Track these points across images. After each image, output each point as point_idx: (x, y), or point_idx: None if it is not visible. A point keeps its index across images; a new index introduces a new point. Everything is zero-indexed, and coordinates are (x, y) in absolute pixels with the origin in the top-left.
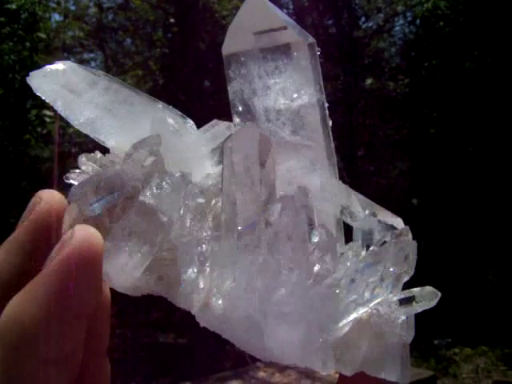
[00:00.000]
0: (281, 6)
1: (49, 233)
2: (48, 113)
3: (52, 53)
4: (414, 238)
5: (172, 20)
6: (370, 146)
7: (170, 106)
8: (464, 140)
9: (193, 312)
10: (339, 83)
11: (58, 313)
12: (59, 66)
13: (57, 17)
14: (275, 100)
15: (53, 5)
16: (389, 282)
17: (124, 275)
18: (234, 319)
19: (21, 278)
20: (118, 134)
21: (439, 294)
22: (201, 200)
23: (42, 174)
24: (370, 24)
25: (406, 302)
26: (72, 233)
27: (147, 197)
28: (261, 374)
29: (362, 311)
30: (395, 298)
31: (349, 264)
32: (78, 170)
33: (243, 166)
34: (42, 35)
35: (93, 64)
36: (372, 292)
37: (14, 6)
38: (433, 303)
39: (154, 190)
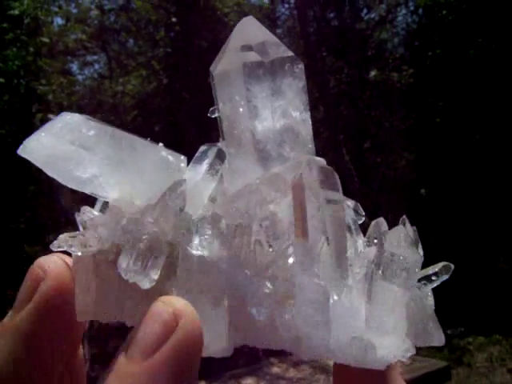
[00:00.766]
0: (283, 0)
1: (56, 320)
2: (53, 117)
3: (55, 57)
4: (423, 229)
5: (174, 19)
6: (376, 137)
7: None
8: (471, 128)
9: (288, 350)
10: (343, 76)
11: None
12: (70, 119)
13: (59, 21)
14: (277, 121)
15: (55, 9)
16: (408, 267)
17: (218, 337)
18: (342, 343)
19: (19, 371)
20: (121, 185)
21: (452, 266)
22: (246, 238)
23: (49, 178)
24: (372, 15)
25: (425, 279)
26: (175, 313)
27: (200, 250)
28: (275, 369)
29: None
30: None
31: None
32: (67, 235)
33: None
34: (45, 39)
35: (96, 66)
36: (402, 282)
37: (16, 12)
38: (448, 275)
39: (203, 241)
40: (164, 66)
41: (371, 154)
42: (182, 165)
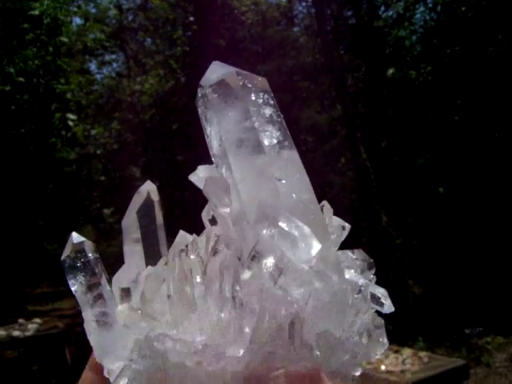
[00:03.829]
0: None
1: None
2: (71, 116)
3: (74, 56)
4: (442, 228)
5: (191, 18)
6: (394, 135)
7: None
8: (490, 126)
9: None
10: (361, 74)
11: None
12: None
13: (78, 20)
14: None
15: (74, 9)
16: None
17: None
18: None
19: None
20: None
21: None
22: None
23: (68, 176)
24: (390, 13)
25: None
26: None
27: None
28: None
29: None
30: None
31: None
32: None
33: None
34: (65, 39)
35: (115, 65)
36: None
37: (36, 12)
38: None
39: None
40: (181, 65)
41: (389, 153)
42: None
